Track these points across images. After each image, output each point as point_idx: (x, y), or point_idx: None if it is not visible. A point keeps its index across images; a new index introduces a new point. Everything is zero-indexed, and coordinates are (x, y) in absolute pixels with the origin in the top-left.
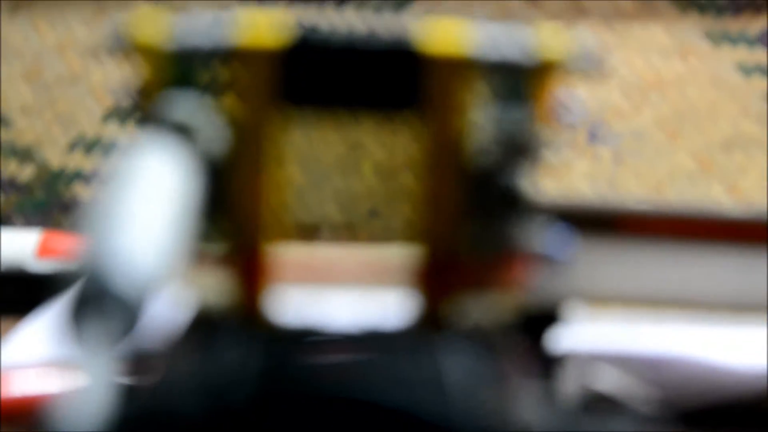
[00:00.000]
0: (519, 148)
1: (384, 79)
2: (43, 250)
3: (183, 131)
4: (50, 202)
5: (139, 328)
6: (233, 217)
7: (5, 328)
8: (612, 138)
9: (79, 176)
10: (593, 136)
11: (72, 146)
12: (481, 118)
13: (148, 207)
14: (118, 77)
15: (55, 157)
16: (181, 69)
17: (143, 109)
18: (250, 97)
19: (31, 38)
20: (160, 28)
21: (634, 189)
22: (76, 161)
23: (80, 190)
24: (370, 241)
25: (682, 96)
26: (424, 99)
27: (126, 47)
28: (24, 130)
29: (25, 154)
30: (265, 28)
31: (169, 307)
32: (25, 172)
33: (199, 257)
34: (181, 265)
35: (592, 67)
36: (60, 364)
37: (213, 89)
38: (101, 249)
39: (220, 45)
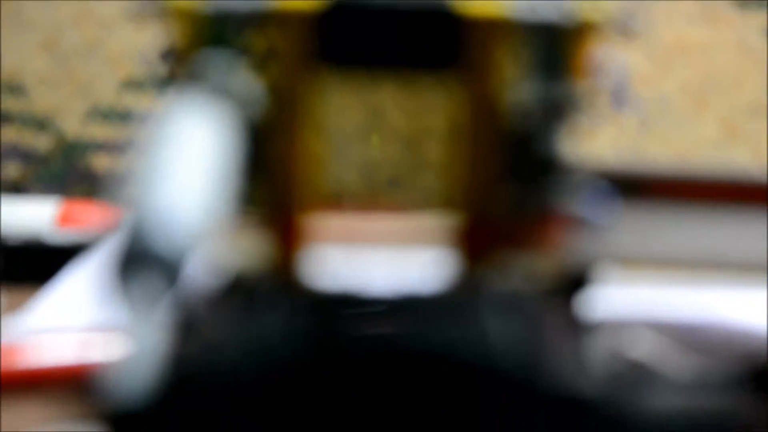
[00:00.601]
0: (556, 110)
1: (422, 41)
2: (63, 220)
3: (220, 92)
4: (67, 171)
5: (181, 286)
6: (270, 179)
7: (25, 297)
8: (638, 103)
9: (96, 145)
10: (619, 101)
11: (89, 115)
12: (518, 79)
13: (187, 168)
14: (136, 47)
15: (73, 126)
16: (218, 32)
17: (179, 72)
18: (288, 59)
19: (47, 7)
20: None
21: (659, 155)
22: (93, 131)
23: (97, 160)
24: (395, 210)
25: (708, 62)
26: (462, 60)
27: (161, 11)
28: (41, 100)
29: (42, 124)
30: None
31: (210, 268)
32: (42, 142)
33: (238, 218)
34: (221, 225)
35: (630, 30)
36: (104, 328)
37: (250, 51)
38: (143, 209)
39: (255, 8)
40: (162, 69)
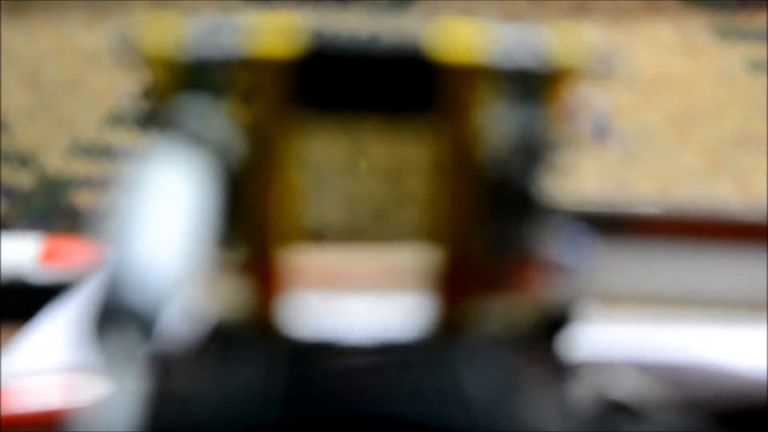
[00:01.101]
0: (534, 152)
1: (397, 86)
2: (47, 257)
3: (197, 138)
4: (50, 207)
5: (157, 337)
6: (248, 224)
7: (8, 336)
8: (620, 137)
9: (78, 182)
10: (601, 135)
11: (71, 152)
12: (495, 122)
13: (163, 216)
14: (118, 82)
15: (55, 162)
16: (194, 77)
17: (155, 116)
18: (264, 103)
19: (29, 43)
20: (170, 37)
21: (643, 188)
22: (76, 167)
23: (80, 196)
24: (377, 244)
25: (690, 93)
26: (437, 104)
27: (136, 57)
28: (23, 136)
29: (24, 160)
30: (277, 36)
31: (186, 317)
32: (24, 178)
33: (215, 265)
34: (198, 272)
35: (608, 72)
36: (80, 371)
37: (226, 96)
38: (118, 260)
39: (233, 54)
40: (142, 108)
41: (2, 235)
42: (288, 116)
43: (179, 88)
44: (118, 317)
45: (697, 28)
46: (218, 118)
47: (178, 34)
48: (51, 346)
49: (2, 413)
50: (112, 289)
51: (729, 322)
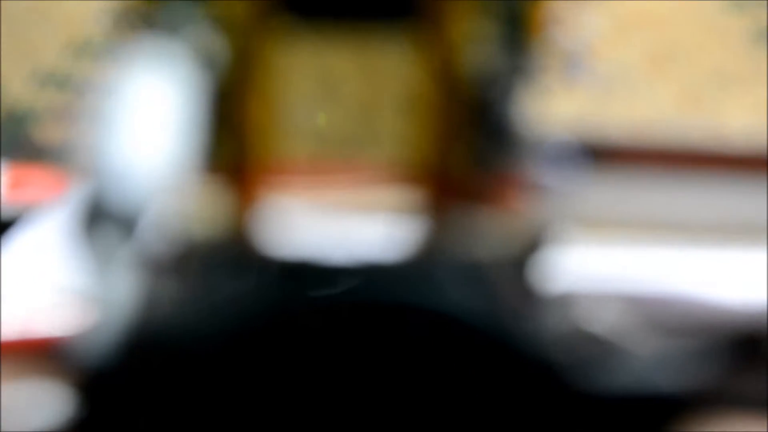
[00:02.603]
0: (515, 71)
1: (380, 5)
2: (12, 187)
3: (179, 43)
4: (12, 138)
5: (138, 241)
6: (227, 136)
7: None
8: (597, 70)
9: (41, 112)
10: (578, 67)
11: (33, 81)
12: (476, 39)
13: (144, 121)
14: (83, 8)
15: (16, 92)
16: None
17: (135, 24)
18: (245, 18)
19: None
20: None
21: (619, 121)
22: (38, 96)
23: (43, 127)
24: (355, 169)
25: (668, 31)
26: (420, 16)
27: None
28: None
29: None
30: None
31: (167, 229)
32: None
33: (196, 178)
34: (179, 183)
35: (601, 7)
36: (65, 291)
37: (208, 3)
38: (101, 163)
39: None
40: (118, 26)
41: None
42: (269, 32)
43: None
44: (99, 219)
45: None
46: (199, 23)
47: None
48: (28, 270)
49: None
50: (93, 193)
51: (707, 248)
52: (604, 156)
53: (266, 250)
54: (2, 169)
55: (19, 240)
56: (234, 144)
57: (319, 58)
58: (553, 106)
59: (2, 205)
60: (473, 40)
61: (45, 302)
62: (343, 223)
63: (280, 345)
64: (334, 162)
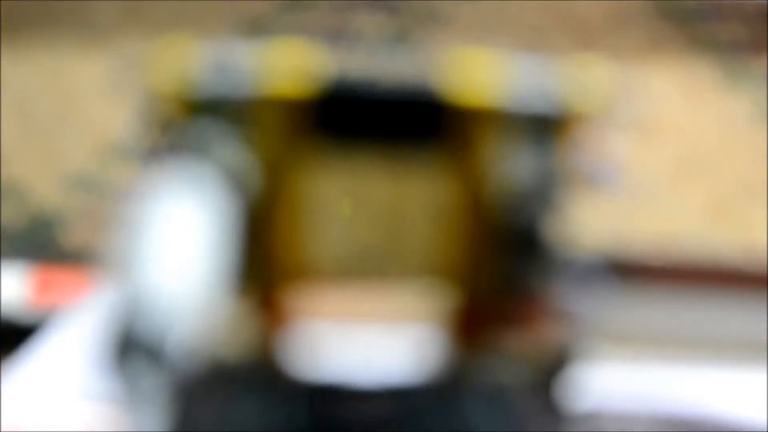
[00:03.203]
0: (543, 194)
1: (409, 125)
2: (37, 292)
3: (210, 167)
4: (40, 242)
5: (167, 368)
6: (257, 259)
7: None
8: (624, 184)
9: (70, 216)
10: (607, 181)
11: (63, 184)
12: (504, 164)
13: (175, 239)
14: (113, 114)
15: (45, 195)
16: (205, 112)
17: (163, 146)
18: (276, 137)
19: (22, 71)
20: (180, 73)
21: (645, 235)
22: (68, 200)
23: (72, 231)
24: (384, 284)
25: (693, 140)
26: (447, 145)
27: (142, 91)
28: (14, 168)
29: (13, 193)
30: (291, 75)
31: (194, 352)
32: (12, 212)
33: (226, 298)
34: (209, 305)
35: (628, 121)
36: (95, 398)
37: (239, 128)
38: (128, 290)
39: (246, 92)
40: (146, 138)
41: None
42: (299, 153)
43: (190, 120)
44: (128, 346)
45: (703, 70)
46: (231, 149)
47: (187, 69)
48: (54, 377)
49: None
50: (122, 318)
51: (735, 368)
52: (631, 273)
53: (295, 373)
54: (28, 272)
55: (42, 345)
56: (263, 265)
57: (350, 179)
58: (580, 220)
59: (28, 309)
60: (502, 159)
61: (67, 410)
62: (371, 342)
63: None
64: (363, 278)
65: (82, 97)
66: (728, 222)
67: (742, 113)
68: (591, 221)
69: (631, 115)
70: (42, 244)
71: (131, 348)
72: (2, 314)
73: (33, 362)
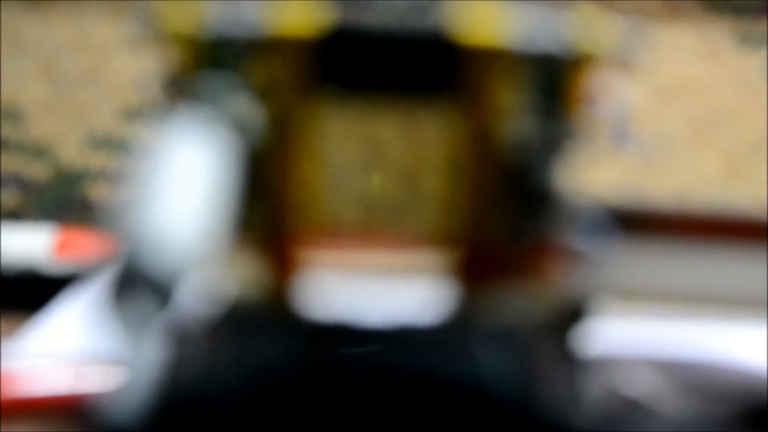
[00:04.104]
0: (554, 140)
1: (420, 68)
2: (60, 248)
3: (217, 113)
4: (63, 200)
5: (174, 310)
6: (266, 204)
7: (20, 325)
8: (638, 139)
9: (93, 174)
10: (619, 137)
11: (87, 144)
12: (515, 107)
13: (183, 192)
14: (134, 73)
15: (70, 154)
16: (216, 55)
17: (176, 94)
18: (285, 83)
19: (46, 33)
20: (193, 16)
21: (660, 192)
22: (91, 159)
23: (94, 189)
24: (395, 230)
25: (709, 98)
26: (459, 87)
27: (156, 36)
28: (38, 127)
29: (38, 152)
30: (299, 17)
31: (203, 293)
32: (38, 170)
33: (233, 243)
34: (216, 247)
35: (631, 63)
36: (99, 356)
37: (249, 75)
38: (137, 235)
39: (255, 34)
40: (160, 96)
41: (16, 226)
42: (307, 96)
43: (201, 65)
44: (136, 286)
45: (719, 32)
46: (239, 95)
47: (199, 12)
48: (65, 333)
49: (14, 396)
50: (131, 261)
51: (745, 320)
52: (641, 224)
53: (301, 313)
54: (52, 230)
55: (57, 303)
56: (271, 209)
57: (360, 125)
58: (596, 175)
59: (50, 265)
60: (513, 109)
61: (74, 363)
62: (378, 287)
63: (306, 405)
64: (374, 226)
65: (108, 57)
66: (743, 177)
67: (757, 73)
68: (605, 175)
69: (646, 70)
70: (69, 200)
71: (138, 284)
72: (28, 266)
73: (46, 318)
